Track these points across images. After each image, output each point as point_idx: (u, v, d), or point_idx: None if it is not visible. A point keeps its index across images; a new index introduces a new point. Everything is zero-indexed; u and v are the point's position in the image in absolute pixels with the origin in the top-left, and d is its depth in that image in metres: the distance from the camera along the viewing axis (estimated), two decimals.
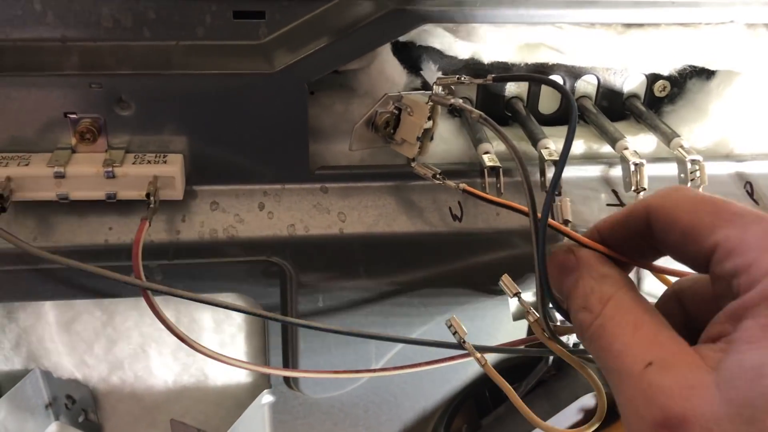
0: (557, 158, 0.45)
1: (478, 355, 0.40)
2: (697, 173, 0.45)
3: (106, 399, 0.54)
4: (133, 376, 0.52)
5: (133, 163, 0.42)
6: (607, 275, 0.31)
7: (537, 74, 0.42)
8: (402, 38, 0.44)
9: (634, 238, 0.32)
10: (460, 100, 0.41)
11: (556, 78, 0.51)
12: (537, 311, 0.41)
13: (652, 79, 0.52)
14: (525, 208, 0.42)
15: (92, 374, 0.52)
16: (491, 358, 0.54)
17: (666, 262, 0.33)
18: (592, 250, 0.33)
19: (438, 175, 0.43)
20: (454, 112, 0.50)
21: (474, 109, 0.40)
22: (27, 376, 0.52)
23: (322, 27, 0.41)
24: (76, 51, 0.40)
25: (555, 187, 0.36)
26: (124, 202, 0.43)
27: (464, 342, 0.41)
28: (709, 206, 0.29)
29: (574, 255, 0.33)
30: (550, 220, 0.37)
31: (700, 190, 0.45)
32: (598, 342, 0.30)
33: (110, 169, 0.41)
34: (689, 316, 0.32)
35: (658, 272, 0.36)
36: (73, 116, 0.42)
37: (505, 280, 0.41)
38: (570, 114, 0.36)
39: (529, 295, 0.43)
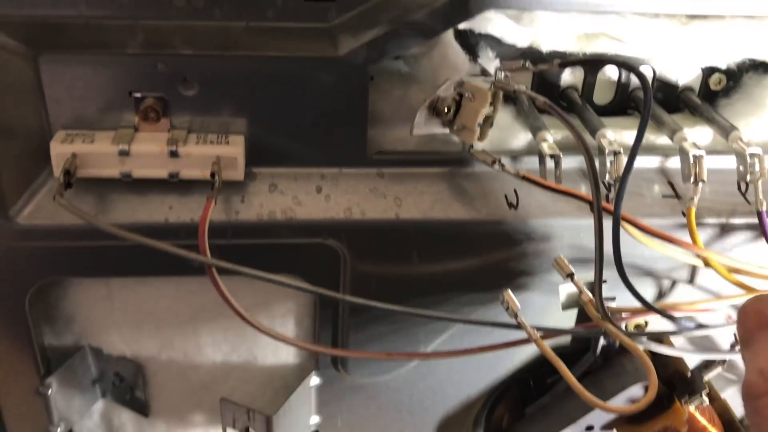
0: (617, 149, 0.45)
1: (531, 329, 0.40)
2: (756, 166, 0.45)
3: (154, 377, 0.54)
4: (182, 354, 0.53)
5: (196, 143, 0.42)
6: None
7: (612, 57, 0.41)
8: (461, 26, 0.44)
9: None
10: (524, 87, 0.41)
11: (612, 69, 0.50)
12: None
13: (708, 72, 0.51)
14: (588, 196, 0.42)
15: (142, 352, 0.53)
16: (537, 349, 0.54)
17: None
18: None
19: (498, 162, 0.43)
20: (509, 99, 0.50)
21: (538, 95, 0.40)
22: (77, 353, 0.53)
23: (389, 11, 0.41)
24: (144, 30, 0.41)
25: (628, 174, 0.36)
26: (184, 183, 0.43)
27: (517, 316, 0.41)
28: None
29: None
30: (623, 213, 0.38)
31: (759, 184, 0.45)
32: (761, 416, 0.27)
33: (174, 147, 0.42)
34: None
35: None
36: (138, 95, 0.42)
37: (559, 261, 0.41)
38: (645, 99, 0.36)
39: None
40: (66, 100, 0.42)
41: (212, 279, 0.39)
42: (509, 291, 0.40)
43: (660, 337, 0.50)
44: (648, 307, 0.41)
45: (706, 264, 0.44)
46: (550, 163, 0.45)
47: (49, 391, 0.51)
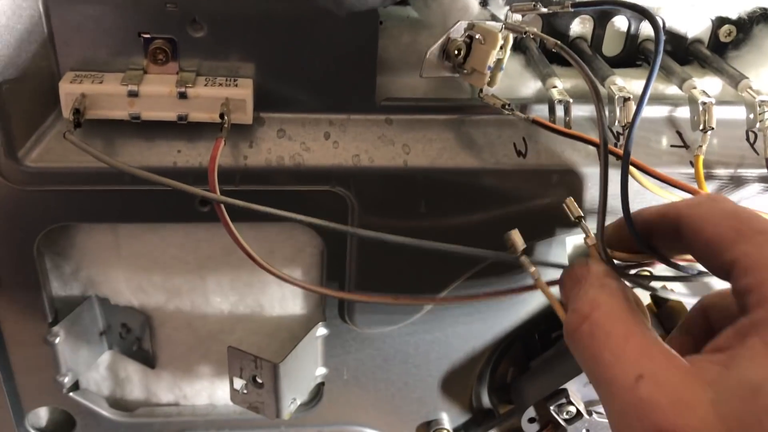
0: (627, 95, 0.44)
1: (533, 268, 0.40)
2: (766, 115, 0.45)
3: (161, 328, 0.54)
4: (189, 304, 0.53)
5: (205, 86, 0.42)
6: (606, 285, 0.32)
7: (625, 1, 0.41)
8: None
9: (664, 238, 0.34)
10: (535, 29, 0.41)
11: (621, 20, 0.50)
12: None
13: (718, 23, 0.51)
14: (595, 139, 0.42)
15: (149, 302, 0.53)
16: (544, 299, 0.54)
17: None
18: (605, 266, 0.34)
19: (507, 106, 0.43)
20: (518, 48, 0.49)
21: (550, 38, 0.40)
22: (84, 303, 0.53)
23: None
24: None
25: (637, 118, 0.36)
26: (193, 126, 0.43)
27: (520, 256, 0.41)
28: (735, 221, 0.29)
29: (587, 267, 0.34)
30: (632, 158, 0.37)
31: None
32: (587, 349, 0.30)
33: (183, 89, 0.42)
34: (713, 331, 0.31)
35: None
36: (147, 36, 0.42)
37: (569, 203, 0.41)
38: (656, 42, 0.36)
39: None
40: (75, 41, 0.42)
41: (222, 218, 0.39)
42: (516, 231, 0.40)
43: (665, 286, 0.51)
44: (651, 252, 0.41)
45: None
46: (559, 111, 0.45)
47: (57, 340, 0.51)
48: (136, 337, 0.55)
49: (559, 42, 0.39)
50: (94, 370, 0.57)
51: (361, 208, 0.46)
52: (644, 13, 0.38)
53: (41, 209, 0.45)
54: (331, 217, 0.46)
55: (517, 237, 0.40)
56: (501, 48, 0.42)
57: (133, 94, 0.41)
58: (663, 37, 0.36)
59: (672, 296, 0.46)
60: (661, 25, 0.50)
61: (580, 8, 0.40)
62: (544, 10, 0.41)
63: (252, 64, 0.44)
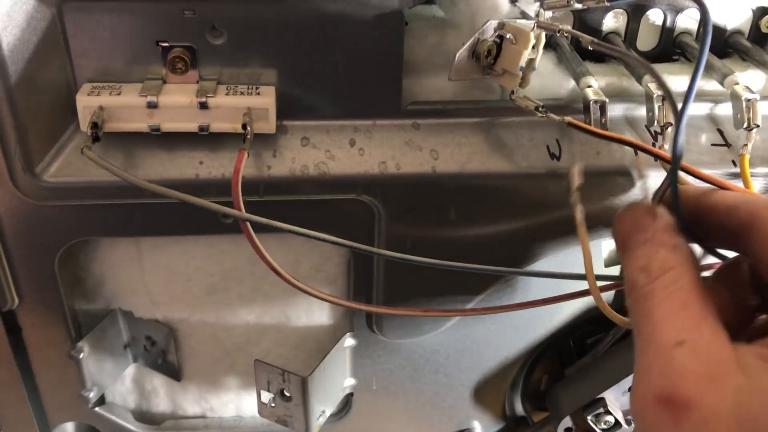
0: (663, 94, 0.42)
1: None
2: None
3: (185, 341, 0.53)
4: (214, 317, 0.52)
5: (226, 95, 0.41)
6: (678, 247, 0.30)
7: None
8: None
9: (719, 230, 0.32)
10: (569, 27, 0.39)
11: (656, 13, 0.48)
12: None
13: (759, 14, 0.49)
14: (639, 142, 0.40)
15: (173, 315, 0.52)
16: (579, 305, 0.52)
17: None
18: (671, 218, 0.31)
19: (541, 108, 0.41)
20: (549, 46, 0.47)
21: (586, 36, 0.38)
22: (108, 316, 0.52)
23: None
24: None
25: (683, 118, 0.34)
26: (214, 136, 0.42)
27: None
28: None
29: (652, 216, 0.32)
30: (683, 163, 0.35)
31: None
32: (641, 304, 0.29)
33: (204, 99, 0.40)
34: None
35: None
36: (165, 45, 0.41)
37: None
38: (704, 32, 0.33)
39: None
40: (91, 51, 0.40)
41: (247, 234, 0.38)
42: (580, 164, 0.37)
43: None
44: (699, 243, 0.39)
45: None
46: (595, 112, 0.43)
47: (81, 355, 0.50)
48: (161, 350, 0.54)
49: (595, 39, 0.37)
50: (119, 384, 0.56)
51: (389, 217, 0.45)
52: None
53: (61, 224, 0.44)
54: (357, 225, 0.46)
55: (579, 171, 0.38)
56: (533, 47, 0.40)
57: (152, 106, 0.40)
58: (711, 22, 0.34)
59: None
60: (697, 21, 0.48)
61: (616, 2, 0.38)
62: (578, 5, 0.39)
63: (274, 71, 0.42)
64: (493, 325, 0.53)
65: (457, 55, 0.40)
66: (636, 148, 0.39)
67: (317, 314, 0.52)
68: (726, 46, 0.50)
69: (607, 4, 0.38)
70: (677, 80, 0.46)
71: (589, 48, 0.38)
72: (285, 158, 0.43)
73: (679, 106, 0.33)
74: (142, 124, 0.41)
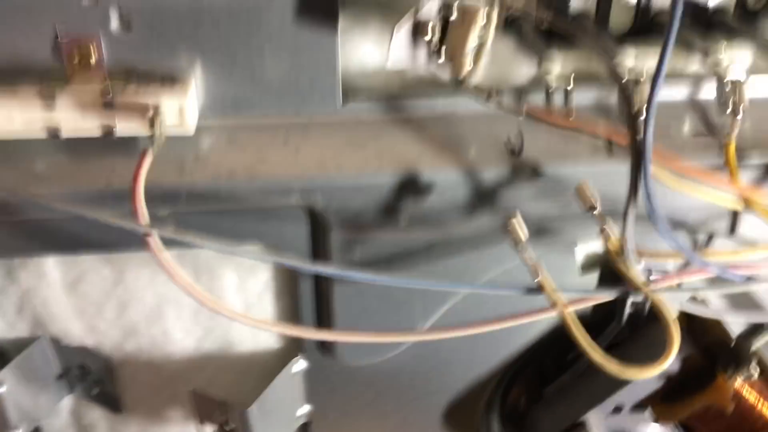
0: (638, 76, 0.37)
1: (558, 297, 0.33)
2: None
3: (121, 369, 0.48)
4: (149, 342, 0.47)
5: (135, 92, 0.36)
6: None
7: None
8: None
9: None
10: (522, 1, 0.34)
11: None
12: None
13: None
14: (603, 130, 0.35)
15: (104, 341, 0.47)
16: (554, 320, 0.47)
17: None
18: None
19: (495, 96, 0.36)
20: (509, 27, 0.42)
21: (540, 13, 0.33)
22: (34, 344, 0.47)
23: None
24: None
25: (652, 105, 0.29)
26: (129, 140, 0.37)
27: (523, 248, 0.35)
28: None
29: None
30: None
31: None
32: None
33: (109, 97, 0.35)
34: None
35: None
36: (65, 38, 0.36)
37: (582, 188, 0.35)
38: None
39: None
40: None
41: (152, 251, 0.33)
42: (518, 215, 0.33)
43: (696, 300, 0.43)
44: (685, 253, 0.34)
45: (748, 206, 0.37)
46: (558, 99, 0.38)
47: (2, 389, 0.45)
48: (96, 380, 0.49)
49: (551, 16, 0.32)
50: (55, 417, 0.51)
51: (332, 223, 0.40)
52: None
53: None
54: (297, 234, 0.41)
55: (519, 225, 0.34)
56: (483, 27, 0.35)
57: (50, 107, 0.35)
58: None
59: (704, 312, 0.39)
60: None
61: None
62: None
63: (195, 62, 0.37)
64: (462, 340, 0.47)
65: (393, 39, 0.35)
66: (598, 137, 0.34)
67: (263, 336, 0.47)
68: (709, 25, 0.44)
69: None
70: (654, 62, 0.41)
71: (546, 27, 0.33)
72: (209, 162, 0.38)
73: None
74: (40, 130, 0.36)
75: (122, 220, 0.32)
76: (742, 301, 0.43)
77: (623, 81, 0.30)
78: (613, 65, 0.30)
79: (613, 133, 0.34)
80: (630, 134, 0.31)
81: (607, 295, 0.38)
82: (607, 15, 0.44)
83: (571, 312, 0.35)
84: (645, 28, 0.44)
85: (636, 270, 0.35)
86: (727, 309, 0.43)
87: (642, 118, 0.31)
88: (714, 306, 0.45)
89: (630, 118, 0.30)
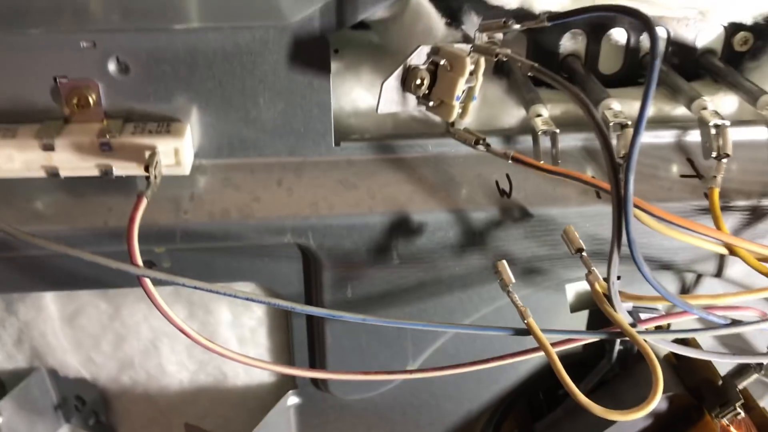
0: (624, 120, 0.38)
1: (522, 307, 0.34)
2: None
3: (117, 400, 0.49)
4: (145, 375, 0.47)
5: (132, 133, 0.37)
6: None
7: (608, 5, 0.35)
8: None
9: None
10: (508, 50, 0.35)
11: (619, 33, 0.44)
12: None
13: (732, 30, 0.44)
14: (586, 177, 0.36)
15: (101, 373, 0.47)
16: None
17: None
18: None
19: (482, 142, 0.37)
20: (500, 71, 0.43)
21: (525, 60, 0.34)
22: (31, 375, 0.48)
23: None
24: (66, 6, 0.35)
25: (634, 151, 0.30)
26: (126, 180, 0.38)
27: (510, 292, 0.35)
28: None
29: None
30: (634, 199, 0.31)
31: None
32: None
33: (105, 139, 0.36)
34: None
35: None
36: (64, 80, 0.37)
37: (568, 232, 0.35)
38: (651, 56, 0.29)
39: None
40: None
41: (146, 291, 0.33)
42: (503, 262, 0.34)
43: (685, 339, 0.44)
44: (667, 298, 0.34)
45: (732, 252, 0.37)
46: (545, 143, 0.38)
47: (1, 419, 0.46)
48: (92, 410, 0.50)
49: (536, 64, 0.33)
50: None
51: (324, 262, 0.41)
52: (639, 17, 0.31)
53: None
54: (290, 272, 0.42)
55: (504, 269, 0.35)
56: (472, 74, 0.36)
57: (48, 148, 0.36)
58: (659, 43, 0.29)
59: (690, 353, 0.39)
60: (664, 39, 0.44)
61: (557, 20, 0.34)
62: (517, 27, 0.35)
63: (191, 104, 0.38)
64: (453, 376, 0.48)
65: (383, 86, 0.35)
66: (584, 182, 0.35)
67: (257, 371, 0.47)
68: (698, 66, 0.45)
69: (546, 23, 0.34)
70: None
71: (529, 74, 0.33)
72: (204, 202, 0.39)
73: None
74: (38, 169, 0.37)
75: (117, 262, 0.32)
76: (731, 341, 0.44)
77: (603, 133, 0.30)
78: (595, 118, 0.30)
79: (597, 180, 0.35)
80: (612, 184, 0.31)
81: (593, 337, 0.39)
82: (596, 57, 0.45)
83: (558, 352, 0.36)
84: (634, 69, 0.45)
85: (621, 313, 0.36)
86: (715, 348, 0.44)
87: (625, 165, 0.32)
88: (705, 345, 0.45)
89: (611, 168, 0.31)
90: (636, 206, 0.34)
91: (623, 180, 0.31)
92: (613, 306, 0.36)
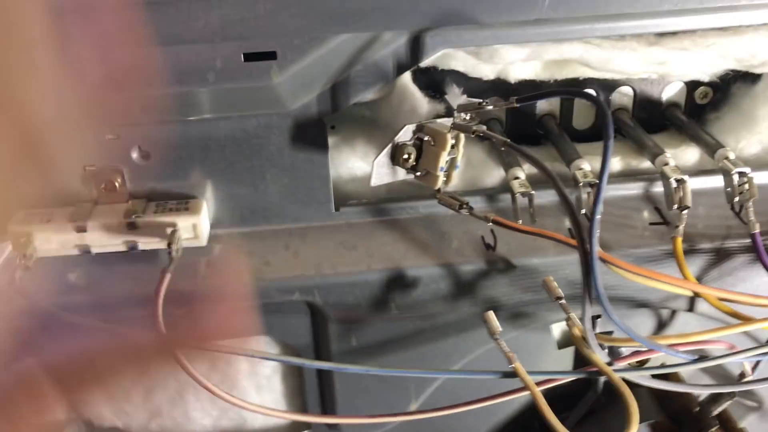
0: (593, 179, 0.42)
1: (510, 353, 0.38)
2: (746, 186, 0.42)
3: None
4: (172, 423, 0.51)
5: (155, 212, 0.41)
6: None
7: (565, 88, 0.39)
8: (424, 63, 0.43)
9: None
10: (484, 127, 0.39)
11: (590, 91, 0.48)
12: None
13: (693, 86, 0.49)
14: (559, 235, 0.40)
15: (132, 422, 0.52)
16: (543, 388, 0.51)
17: None
18: None
19: (465, 206, 0.41)
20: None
21: (498, 136, 0.38)
22: (68, 426, 0.52)
23: (331, 64, 0.39)
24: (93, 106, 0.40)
25: (596, 211, 0.34)
26: (151, 251, 0.42)
27: (498, 339, 0.39)
28: None
29: None
30: (600, 252, 0.35)
31: (750, 204, 0.42)
32: None
33: (131, 219, 0.41)
34: None
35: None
36: (92, 168, 0.41)
37: (548, 283, 0.40)
38: (604, 131, 0.34)
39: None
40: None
41: (180, 363, 0.38)
42: (491, 312, 0.38)
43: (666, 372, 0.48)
44: (635, 339, 0.38)
45: (696, 294, 0.41)
46: (523, 201, 0.43)
47: None
48: None
49: (508, 140, 0.38)
50: None
51: (330, 316, 0.45)
52: (591, 99, 0.36)
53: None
54: (299, 326, 0.46)
55: (491, 319, 0.39)
56: (453, 147, 0.40)
57: (81, 230, 0.41)
58: (611, 127, 0.34)
59: (666, 386, 0.43)
60: (631, 96, 0.48)
61: (524, 102, 0.38)
62: (490, 107, 0.39)
63: (206, 182, 0.43)
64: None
65: (375, 162, 0.40)
66: (556, 240, 0.39)
67: None
68: (664, 118, 0.50)
69: (516, 105, 0.38)
70: (613, 161, 0.46)
71: (502, 149, 0.38)
72: (220, 266, 0.43)
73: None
74: (72, 248, 0.41)
75: (145, 331, 0.37)
76: (709, 369, 0.47)
77: (567, 199, 0.34)
78: (558, 186, 0.34)
79: (566, 238, 0.39)
80: (578, 242, 0.35)
81: (573, 376, 0.43)
82: (570, 114, 0.49)
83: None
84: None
85: (598, 354, 0.40)
86: (695, 376, 0.47)
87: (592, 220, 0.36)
88: (686, 374, 0.49)
89: (575, 227, 0.35)
90: (601, 259, 0.38)
91: (588, 238, 0.35)
92: (590, 347, 0.40)
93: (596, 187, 0.34)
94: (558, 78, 0.45)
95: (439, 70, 0.45)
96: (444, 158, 0.40)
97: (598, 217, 0.35)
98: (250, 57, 0.38)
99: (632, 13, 0.39)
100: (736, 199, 0.42)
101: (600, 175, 0.34)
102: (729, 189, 0.43)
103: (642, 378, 0.42)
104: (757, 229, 0.42)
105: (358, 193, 0.46)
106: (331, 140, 0.45)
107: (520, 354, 0.48)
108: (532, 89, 0.46)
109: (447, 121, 0.41)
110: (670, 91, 0.49)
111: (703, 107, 0.49)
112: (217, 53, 0.37)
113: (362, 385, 0.48)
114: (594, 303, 0.37)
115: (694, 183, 0.46)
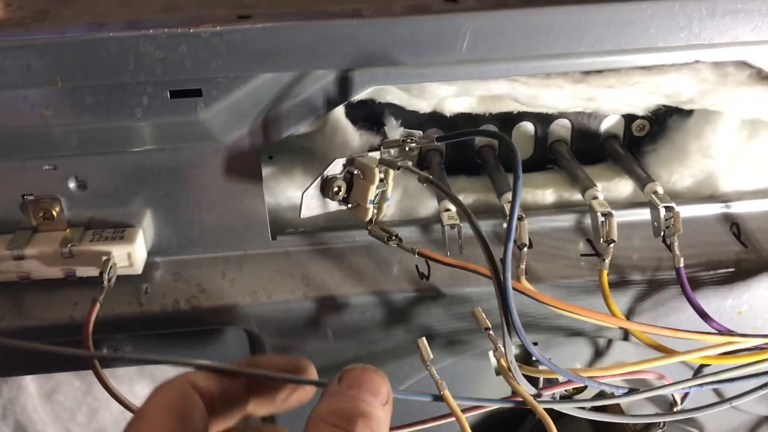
0: (520, 213, 0.43)
1: (456, 407, 0.39)
2: (672, 221, 0.43)
3: None
4: None
5: (91, 241, 0.42)
6: None
7: (476, 129, 0.40)
8: (361, 96, 0.43)
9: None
10: (409, 163, 0.40)
11: (527, 125, 0.49)
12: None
13: (630, 118, 0.50)
14: (478, 267, 0.41)
15: None
16: (478, 413, 0.52)
17: None
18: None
19: (394, 238, 0.42)
20: (420, 165, 0.49)
21: (420, 172, 0.39)
22: None
23: (264, 97, 0.40)
24: (26, 136, 0.41)
25: (508, 246, 0.35)
26: (89, 278, 0.43)
27: (430, 367, 0.40)
28: None
29: None
30: (514, 283, 0.36)
31: (675, 238, 0.43)
32: None
33: (67, 248, 0.42)
34: None
35: None
36: (30, 197, 0.42)
37: (477, 314, 0.40)
38: (514, 171, 0.35)
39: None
40: None
41: (96, 374, 0.39)
42: (423, 339, 0.39)
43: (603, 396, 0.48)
44: (555, 371, 0.39)
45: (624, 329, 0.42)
46: (452, 233, 0.44)
47: None
48: None
49: (429, 177, 0.38)
50: None
51: (265, 341, 0.46)
52: (498, 138, 0.37)
53: None
54: (237, 351, 0.46)
55: (424, 346, 0.39)
56: (382, 181, 0.41)
57: (18, 258, 0.42)
58: (519, 169, 0.34)
59: (600, 417, 0.44)
60: (569, 129, 0.49)
61: (444, 141, 0.39)
62: (413, 145, 0.40)
63: (144, 211, 0.44)
64: None
65: (303, 195, 0.41)
66: (480, 274, 0.40)
67: None
68: (602, 149, 0.51)
69: (436, 144, 0.39)
70: (542, 193, 0.47)
71: (424, 184, 0.39)
72: (157, 295, 0.44)
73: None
74: (11, 274, 0.42)
75: (72, 349, 0.37)
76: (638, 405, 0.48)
77: (482, 236, 0.35)
78: (474, 225, 0.35)
79: (484, 270, 0.40)
80: (493, 277, 0.36)
81: (501, 404, 0.43)
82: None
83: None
84: (543, 155, 0.50)
85: (523, 385, 0.41)
86: (630, 406, 0.48)
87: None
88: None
89: (489, 262, 0.36)
90: (515, 290, 0.38)
91: (501, 270, 0.36)
92: (515, 378, 0.41)
93: (508, 221, 0.35)
94: (493, 112, 0.46)
95: (377, 102, 0.46)
96: (373, 191, 0.41)
97: (509, 251, 0.36)
98: (176, 94, 0.39)
99: (556, 53, 0.40)
100: (662, 233, 0.43)
101: (510, 213, 0.35)
102: (656, 223, 0.44)
103: (568, 408, 0.43)
104: (681, 264, 0.43)
105: (298, 221, 0.47)
106: (269, 170, 0.46)
107: (459, 380, 0.49)
108: (469, 122, 0.47)
109: (377, 155, 0.42)
110: (608, 123, 0.50)
111: (641, 139, 0.50)
112: (144, 91, 0.38)
113: (302, 408, 0.49)
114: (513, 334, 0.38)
115: (629, 215, 0.47)
